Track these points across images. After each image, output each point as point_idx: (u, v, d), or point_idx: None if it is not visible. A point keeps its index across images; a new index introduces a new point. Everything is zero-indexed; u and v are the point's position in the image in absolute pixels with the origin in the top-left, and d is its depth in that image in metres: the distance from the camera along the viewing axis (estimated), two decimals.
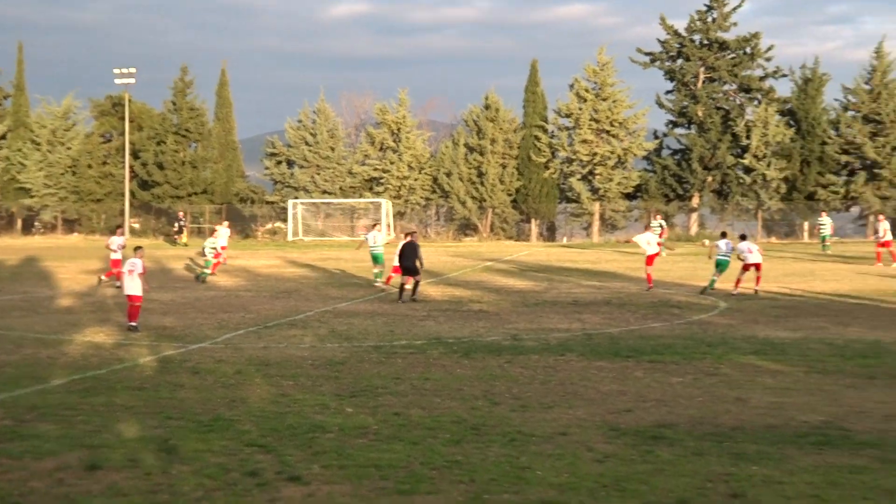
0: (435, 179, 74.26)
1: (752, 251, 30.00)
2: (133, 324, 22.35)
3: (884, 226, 40.54)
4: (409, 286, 29.35)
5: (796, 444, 12.01)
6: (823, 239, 48.62)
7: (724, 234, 32.02)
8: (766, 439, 12.19)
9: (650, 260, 32.13)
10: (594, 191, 71.88)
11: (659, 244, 31.84)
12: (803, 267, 40.07)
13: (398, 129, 74.93)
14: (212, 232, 38.71)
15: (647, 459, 11.29)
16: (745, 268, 29.96)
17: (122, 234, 35.33)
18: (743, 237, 31.31)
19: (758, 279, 29.88)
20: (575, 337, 21.03)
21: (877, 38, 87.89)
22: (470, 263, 44.74)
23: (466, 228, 73.82)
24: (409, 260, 28.74)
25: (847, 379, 16.18)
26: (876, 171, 68.71)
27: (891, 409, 14.07)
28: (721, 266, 30.03)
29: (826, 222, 49.28)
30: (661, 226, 45.72)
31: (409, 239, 29.34)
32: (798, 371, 16.76)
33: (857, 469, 10.88)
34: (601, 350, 19.19)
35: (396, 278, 31.14)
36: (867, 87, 70.30)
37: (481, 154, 72.89)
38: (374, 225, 38.04)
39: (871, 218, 67.16)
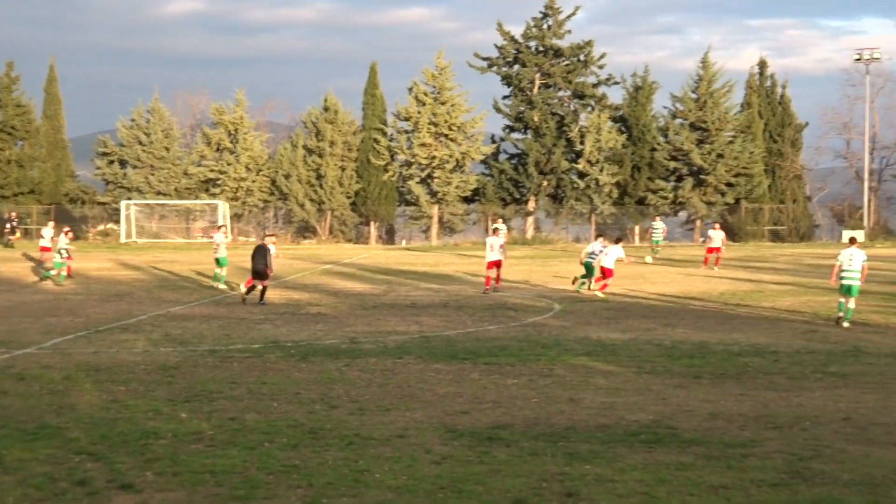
0: (273, 181, 73.55)
1: (608, 254, 30.83)
2: None
3: (718, 234, 41.69)
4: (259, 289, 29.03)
5: (626, 442, 12.22)
6: (656, 243, 49.54)
7: (618, 240, 33.11)
8: (598, 438, 12.37)
9: (491, 265, 32.22)
10: (433, 194, 71.96)
11: (502, 246, 32.02)
12: (633, 270, 40.48)
13: (235, 130, 73.96)
14: (65, 233, 37.20)
15: (483, 460, 11.36)
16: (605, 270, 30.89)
17: None
18: (618, 240, 32.70)
19: (603, 286, 30.65)
20: (413, 340, 20.98)
21: (703, 49, 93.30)
22: (308, 266, 44.49)
23: (305, 231, 73.23)
24: (257, 263, 28.54)
25: (674, 379, 16.44)
26: (702, 177, 70.50)
27: (715, 407, 14.37)
28: (589, 268, 31.12)
29: (659, 227, 50.12)
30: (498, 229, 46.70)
31: (263, 242, 29.22)
32: (628, 371, 17.03)
33: (683, 466, 11.15)
34: (439, 352, 19.16)
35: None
36: (694, 95, 72.27)
37: (320, 156, 72.49)
38: (220, 227, 37.54)
39: (699, 223, 70.09)
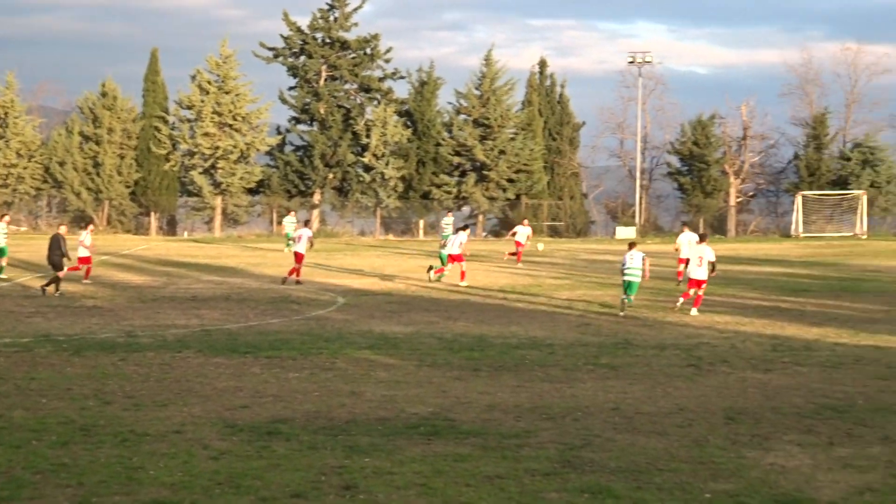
0: (47, 168, 71.03)
1: (452, 242, 32.62)
2: None
3: (524, 230, 41.74)
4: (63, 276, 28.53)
5: (406, 434, 12.27)
6: (446, 238, 49.60)
7: (463, 228, 34.34)
8: (377, 431, 12.39)
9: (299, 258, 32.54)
10: (216, 185, 70.71)
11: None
12: (418, 263, 40.50)
13: (5, 114, 71.12)
14: None
15: (262, 455, 11.24)
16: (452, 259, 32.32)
17: None
18: (464, 227, 34.34)
19: (462, 274, 31.79)
20: (193, 333, 20.67)
21: (486, 47, 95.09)
22: None
23: (81, 221, 67.67)
24: (53, 254, 27.91)
25: (454, 371, 16.64)
26: (485, 172, 70.91)
27: (493, 399, 14.58)
28: (442, 258, 32.75)
29: (450, 222, 49.59)
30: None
31: (57, 233, 28.77)
32: (410, 364, 17.14)
33: (460, 457, 11.30)
34: (219, 346, 18.91)
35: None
36: (478, 92, 72.44)
37: (97, 143, 70.33)
38: (3, 216, 35.61)
39: (482, 218, 70.43)
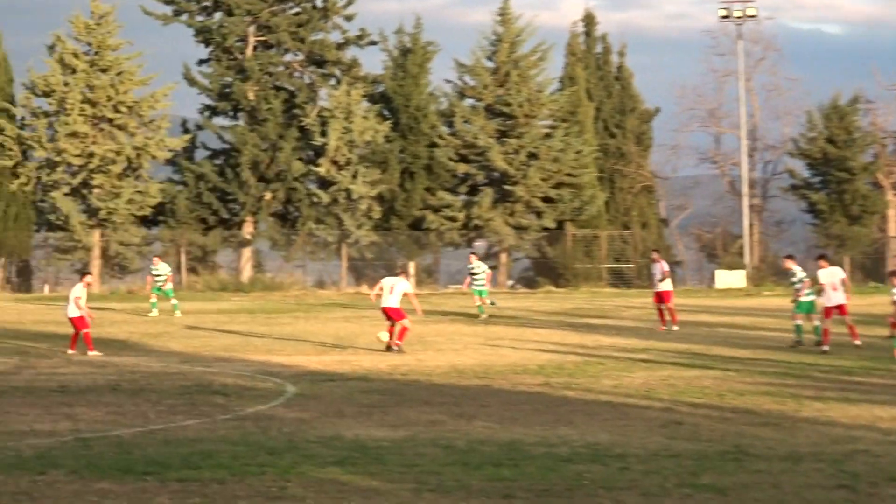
0: None
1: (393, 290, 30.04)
2: None
3: (657, 268, 36.23)
4: None
5: None
6: (481, 294, 39.28)
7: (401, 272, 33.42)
8: None
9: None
10: (92, 212, 59.63)
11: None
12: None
13: None
14: None
15: None
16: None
17: None
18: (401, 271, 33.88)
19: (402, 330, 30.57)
20: (63, 444, 18.05)
21: None
22: None
23: None
24: None
25: (474, 501, 14.50)
26: (507, 187, 59.90)
27: None
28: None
29: (481, 270, 39.42)
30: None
31: None
32: (402, 490, 15.07)
33: None
34: (104, 464, 16.35)
35: None
36: (490, 64, 61.98)
37: None
38: None
39: (505, 257, 63.05)
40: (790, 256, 34.19)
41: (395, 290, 29.02)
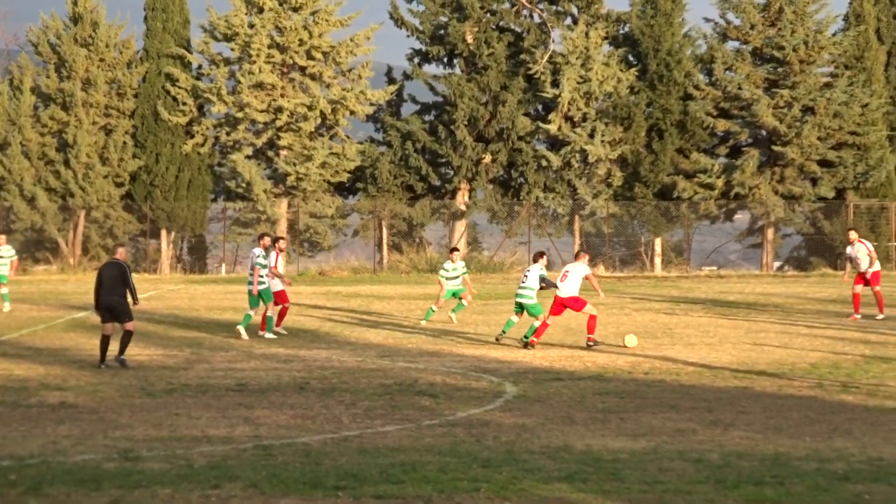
0: None
1: (569, 276, 29.60)
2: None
3: (862, 249, 34.66)
4: None
5: None
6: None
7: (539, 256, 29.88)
8: None
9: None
10: (278, 179, 57.40)
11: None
12: (653, 320, 35.30)
13: None
14: None
15: None
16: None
17: None
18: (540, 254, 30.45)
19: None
20: (241, 452, 17.65)
21: None
22: (45, 315, 36.38)
23: (38, 247, 58.61)
24: (114, 293, 25.09)
25: None
26: (777, 148, 55.96)
27: None
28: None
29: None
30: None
31: (114, 258, 25.96)
32: None
33: None
34: (289, 477, 15.91)
35: None
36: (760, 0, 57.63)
37: (65, 108, 56.17)
38: None
39: (772, 233, 60.46)
40: None
41: (569, 276, 28.04)
